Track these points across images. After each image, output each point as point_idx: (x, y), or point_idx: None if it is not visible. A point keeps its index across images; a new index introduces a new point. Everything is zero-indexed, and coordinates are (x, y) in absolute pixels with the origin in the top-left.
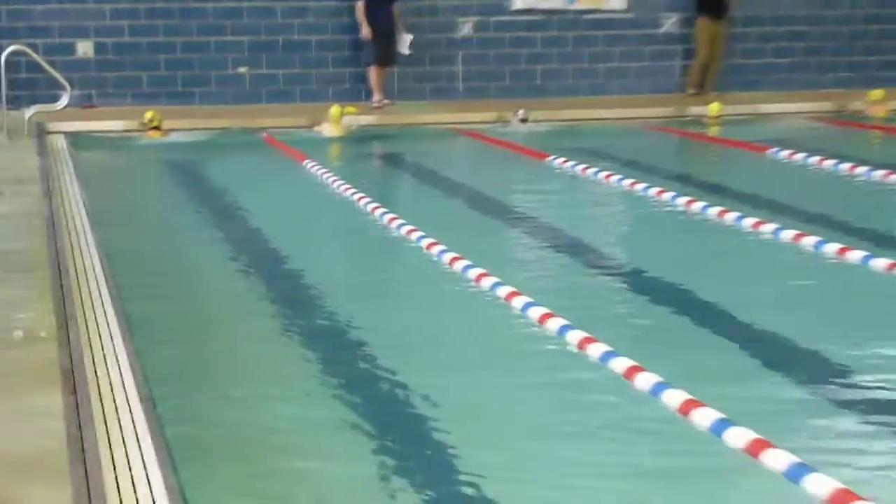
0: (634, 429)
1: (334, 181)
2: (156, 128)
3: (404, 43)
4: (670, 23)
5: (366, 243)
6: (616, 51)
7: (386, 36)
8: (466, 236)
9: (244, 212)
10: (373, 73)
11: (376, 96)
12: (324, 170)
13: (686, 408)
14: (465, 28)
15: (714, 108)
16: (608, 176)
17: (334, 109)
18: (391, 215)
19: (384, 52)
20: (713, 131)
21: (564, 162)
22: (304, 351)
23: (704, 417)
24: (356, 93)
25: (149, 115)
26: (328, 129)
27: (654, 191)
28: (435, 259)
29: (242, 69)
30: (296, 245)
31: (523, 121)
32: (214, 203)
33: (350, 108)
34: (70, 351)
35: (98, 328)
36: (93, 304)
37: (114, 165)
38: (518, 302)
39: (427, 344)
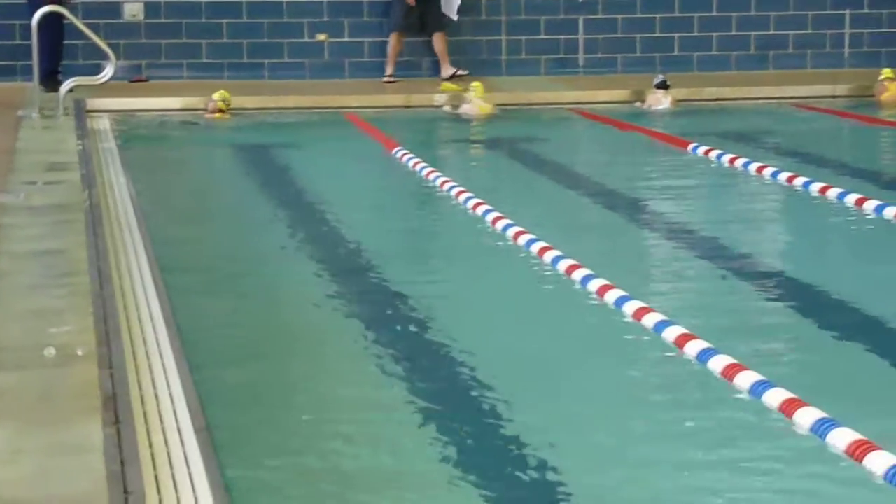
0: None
1: (429, 172)
2: (221, 111)
3: (452, 6)
4: None
5: (465, 248)
6: (771, 16)
7: None
8: (588, 240)
9: (323, 209)
10: (391, 41)
11: (389, 69)
12: (417, 158)
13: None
14: None
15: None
16: (761, 168)
17: (478, 86)
18: (495, 213)
19: (402, 15)
20: (891, 113)
21: (708, 151)
22: (392, 372)
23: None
24: (459, 65)
25: (220, 95)
26: (471, 108)
27: (816, 186)
28: (549, 267)
29: (321, 36)
30: (384, 249)
31: (663, 86)
32: (285, 197)
33: (449, 85)
34: (112, 372)
35: (146, 346)
36: (140, 318)
37: (167, 151)
38: (650, 320)
39: (543, 373)
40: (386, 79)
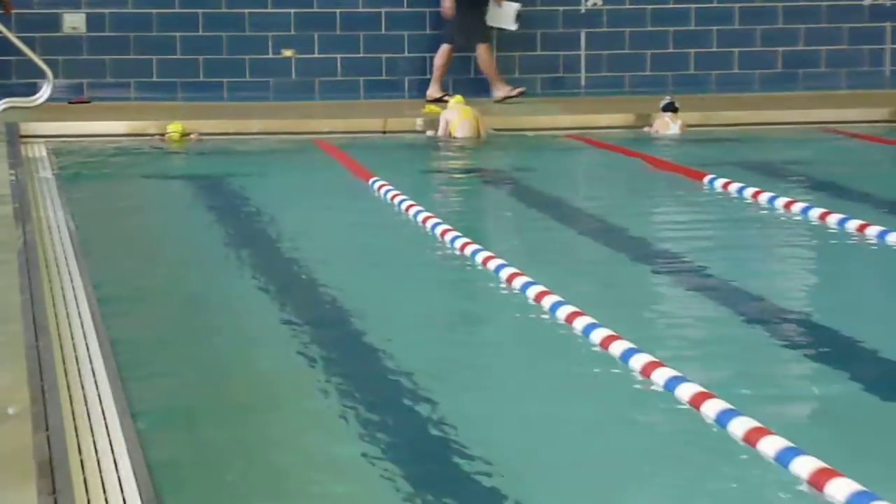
0: None
1: (409, 206)
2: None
3: (508, 15)
4: None
5: (450, 292)
6: (801, 29)
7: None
8: (588, 283)
9: (290, 248)
10: (486, 52)
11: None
12: (395, 191)
13: None
14: None
15: None
16: (789, 203)
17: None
18: (486, 253)
19: (480, 24)
20: None
21: (728, 183)
22: (367, 428)
23: None
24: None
25: (175, 128)
26: (452, 114)
27: (853, 224)
28: (546, 315)
29: (287, 52)
30: (357, 293)
31: (671, 109)
32: (246, 235)
33: (432, 107)
34: (48, 435)
35: (87, 404)
36: (80, 372)
37: (112, 182)
38: (660, 376)
39: (548, 434)
40: (504, 94)
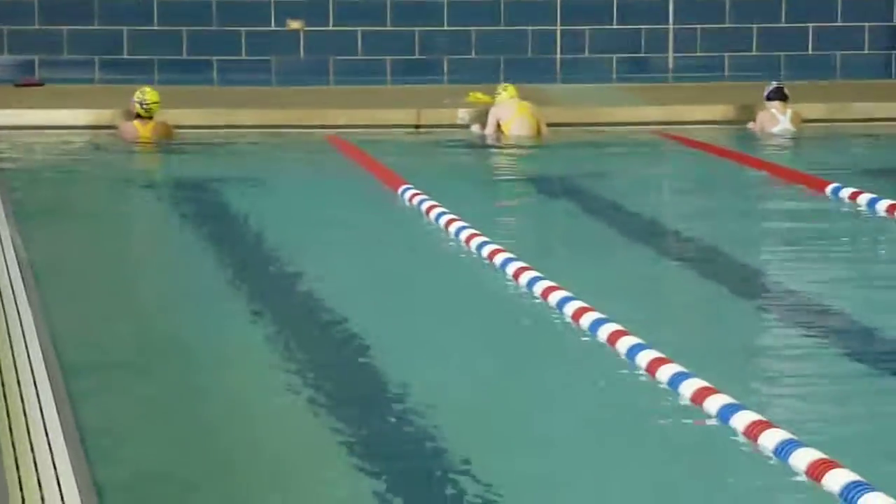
0: None
1: (449, 221)
2: (146, 117)
3: None
4: None
5: (501, 330)
6: None
7: None
8: (674, 321)
9: (295, 277)
10: None
11: None
12: (431, 202)
13: None
14: None
15: None
16: None
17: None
18: (546, 282)
19: None
20: None
21: (856, 194)
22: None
23: None
24: (491, 69)
25: (144, 94)
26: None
27: None
28: (624, 359)
29: (294, 23)
30: (384, 337)
31: (778, 97)
32: (238, 261)
33: (478, 95)
34: None
35: None
36: (39, 481)
37: (69, 190)
38: (768, 438)
39: None
40: None
